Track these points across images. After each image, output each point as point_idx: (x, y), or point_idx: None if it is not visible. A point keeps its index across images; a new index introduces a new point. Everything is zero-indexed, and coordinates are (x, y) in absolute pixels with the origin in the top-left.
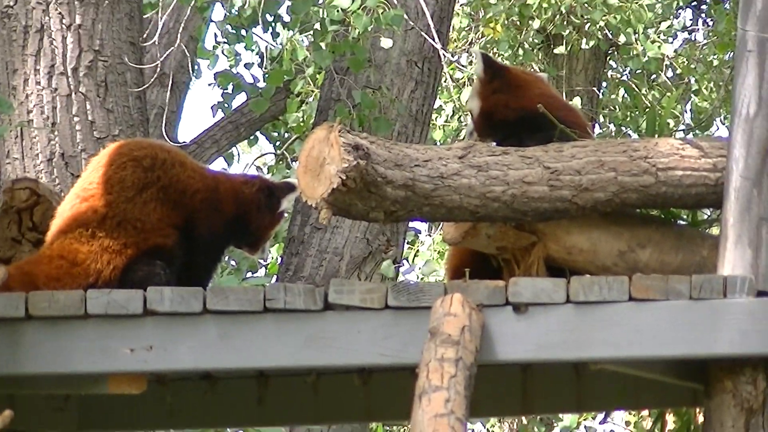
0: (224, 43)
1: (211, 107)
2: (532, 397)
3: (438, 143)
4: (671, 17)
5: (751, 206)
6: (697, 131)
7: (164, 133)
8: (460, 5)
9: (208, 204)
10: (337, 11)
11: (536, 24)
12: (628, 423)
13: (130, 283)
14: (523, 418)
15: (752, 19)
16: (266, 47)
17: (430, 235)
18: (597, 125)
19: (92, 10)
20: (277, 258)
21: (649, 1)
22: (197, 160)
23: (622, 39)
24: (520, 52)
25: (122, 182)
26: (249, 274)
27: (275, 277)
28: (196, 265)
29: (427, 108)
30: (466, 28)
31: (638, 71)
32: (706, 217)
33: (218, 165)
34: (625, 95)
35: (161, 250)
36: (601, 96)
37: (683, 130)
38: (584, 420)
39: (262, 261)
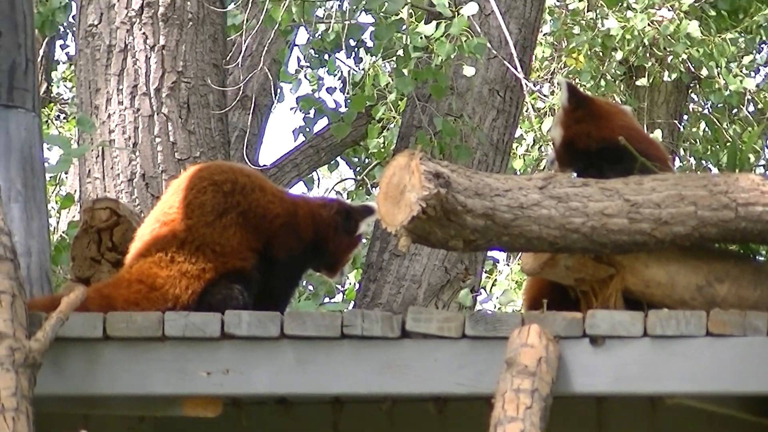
0: (307, 67)
1: (293, 131)
2: (606, 430)
3: (518, 172)
4: (754, 51)
5: None
6: None
7: (245, 156)
8: (544, 35)
9: (287, 228)
10: (421, 38)
11: (619, 55)
12: None
13: (208, 306)
14: None
15: None
16: (349, 72)
17: (509, 265)
18: (677, 158)
19: (176, 31)
20: (354, 284)
21: (731, 35)
22: (277, 183)
23: (704, 72)
24: (602, 83)
25: (202, 207)
26: (326, 300)
27: (352, 302)
28: (273, 289)
29: (507, 137)
30: (549, 58)
31: (720, 105)
32: None
33: (298, 189)
34: (706, 129)
35: (239, 273)
36: (682, 129)
37: (764, 165)
38: None
39: (339, 287)
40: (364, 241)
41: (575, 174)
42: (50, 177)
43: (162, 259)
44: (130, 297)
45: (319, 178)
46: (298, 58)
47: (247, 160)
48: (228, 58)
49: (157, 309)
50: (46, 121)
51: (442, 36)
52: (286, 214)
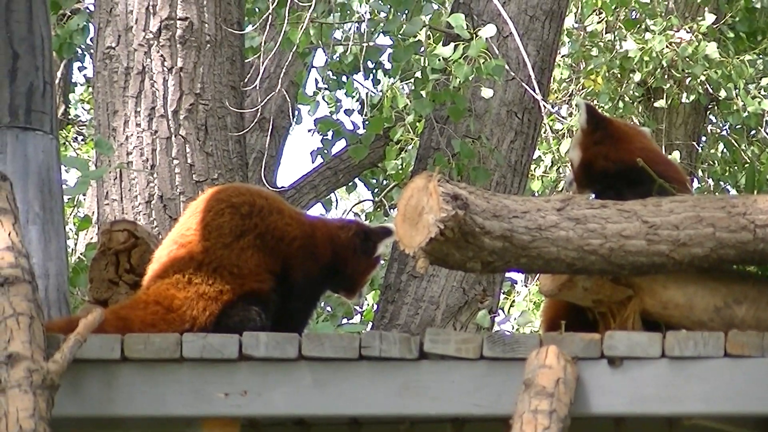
0: (325, 89)
1: (311, 153)
2: None
3: (536, 194)
4: None
5: None
6: None
7: (263, 178)
8: (562, 56)
9: (304, 250)
10: (439, 60)
11: (637, 77)
12: None
13: (226, 327)
14: None
15: None
16: (367, 94)
17: (527, 286)
18: (696, 180)
19: (194, 53)
20: (372, 305)
21: (750, 56)
22: (295, 205)
23: (722, 94)
24: (621, 104)
25: (220, 229)
26: (344, 321)
27: (370, 324)
28: (291, 311)
29: (526, 159)
30: (567, 80)
31: (738, 126)
32: None
33: (316, 211)
34: (725, 150)
35: (257, 295)
36: (700, 150)
37: None
38: None
39: (357, 308)
40: (382, 262)
41: (593, 195)
42: (68, 199)
43: (179, 281)
44: (147, 318)
45: (337, 200)
46: (316, 80)
47: (264, 182)
48: (246, 80)
49: (175, 331)
50: (64, 143)
51: (460, 58)
52: (303, 236)
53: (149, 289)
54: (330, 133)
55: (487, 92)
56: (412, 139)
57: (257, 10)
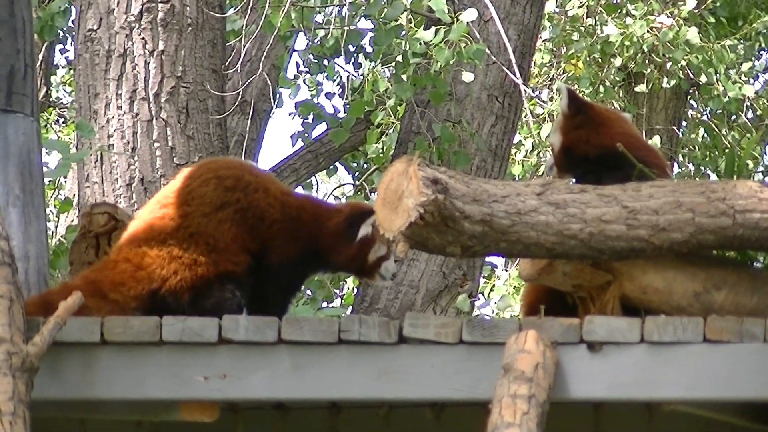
0: (306, 72)
1: (291, 136)
2: None
3: (516, 178)
4: (753, 58)
5: None
6: None
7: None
8: (543, 41)
9: (284, 233)
10: (420, 44)
11: (618, 62)
12: None
13: (202, 310)
14: None
15: None
16: (348, 78)
17: (507, 270)
18: (676, 164)
19: (175, 36)
20: (352, 289)
21: (731, 41)
22: None
23: (703, 79)
24: (601, 89)
25: (202, 197)
26: (324, 305)
27: (351, 307)
28: (267, 297)
29: (506, 143)
30: (548, 64)
31: (718, 111)
32: None
33: None
34: (705, 135)
35: (231, 276)
36: (680, 135)
37: (762, 171)
38: None
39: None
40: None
41: (574, 180)
42: (49, 181)
43: (154, 239)
44: (116, 278)
45: (317, 184)
46: (297, 63)
47: None
48: (227, 63)
49: (143, 288)
50: (45, 126)
51: (441, 42)
52: (285, 218)
53: (121, 250)
54: (311, 117)
55: (467, 76)
56: (392, 122)
57: None
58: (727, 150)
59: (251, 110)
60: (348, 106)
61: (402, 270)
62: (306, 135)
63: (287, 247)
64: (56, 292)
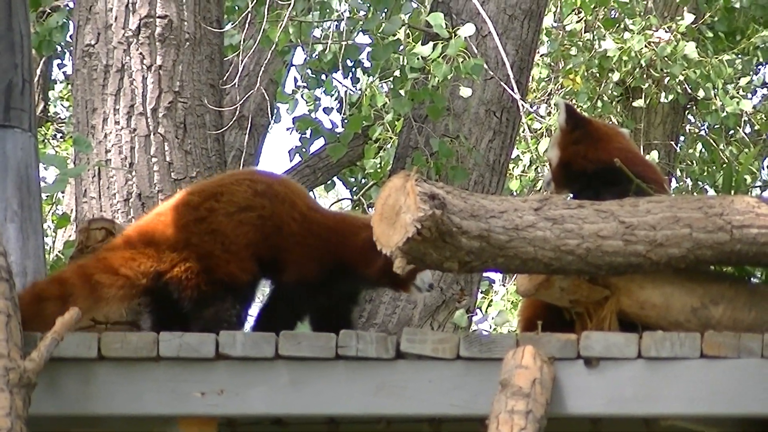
0: (304, 87)
1: (289, 151)
2: None
3: (514, 193)
4: (750, 73)
5: None
6: None
7: None
8: (540, 56)
9: (302, 249)
10: (418, 59)
11: (616, 76)
12: None
13: (199, 317)
14: None
15: None
16: (346, 93)
17: (504, 285)
18: (674, 179)
19: (173, 51)
20: None
21: (728, 56)
22: None
23: (701, 94)
24: (599, 104)
25: (232, 195)
26: None
27: None
28: (276, 315)
29: (504, 158)
30: (546, 79)
31: (716, 126)
32: None
33: None
34: (703, 150)
35: (234, 282)
36: (678, 150)
37: (760, 186)
38: None
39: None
40: None
41: (571, 195)
42: (46, 197)
43: (173, 220)
44: (125, 254)
45: (315, 198)
46: (295, 78)
47: None
48: (225, 78)
49: (151, 266)
50: (43, 141)
51: (439, 57)
52: (304, 234)
53: (137, 227)
54: (309, 132)
55: (465, 91)
56: (390, 137)
57: (237, 8)
58: (724, 165)
59: (249, 125)
60: (346, 121)
61: None
62: (304, 150)
63: (305, 267)
64: (43, 284)
